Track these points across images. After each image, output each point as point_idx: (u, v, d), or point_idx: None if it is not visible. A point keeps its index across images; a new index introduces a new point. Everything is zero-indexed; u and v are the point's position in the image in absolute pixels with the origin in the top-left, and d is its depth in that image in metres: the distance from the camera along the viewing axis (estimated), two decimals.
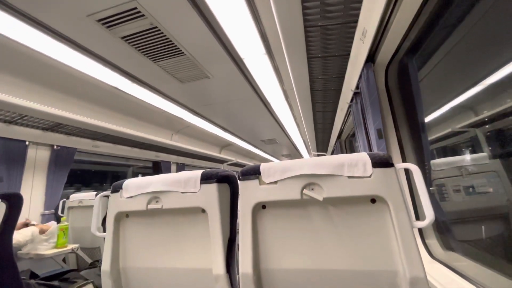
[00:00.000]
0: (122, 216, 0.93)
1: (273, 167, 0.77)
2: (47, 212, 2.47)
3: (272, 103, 3.36)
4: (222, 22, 1.66)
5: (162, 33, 1.77)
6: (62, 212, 2.49)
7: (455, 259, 1.17)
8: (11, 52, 1.83)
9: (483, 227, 1.37)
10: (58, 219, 2.19)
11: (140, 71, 2.32)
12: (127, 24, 1.68)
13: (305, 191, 0.73)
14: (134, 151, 3.70)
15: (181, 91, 2.84)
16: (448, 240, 1.28)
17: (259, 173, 0.78)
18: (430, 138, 1.53)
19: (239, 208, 0.80)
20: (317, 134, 4.18)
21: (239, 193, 0.80)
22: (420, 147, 1.38)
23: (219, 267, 0.77)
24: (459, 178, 1.50)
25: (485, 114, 1.50)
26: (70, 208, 2.46)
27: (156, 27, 1.71)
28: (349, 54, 1.56)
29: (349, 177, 0.70)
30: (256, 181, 0.78)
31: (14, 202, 1.18)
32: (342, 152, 3.88)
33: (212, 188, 0.82)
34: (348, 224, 0.71)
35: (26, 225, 2.03)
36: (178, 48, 1.97)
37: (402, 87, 1.46)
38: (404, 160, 1.42)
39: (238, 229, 0.81)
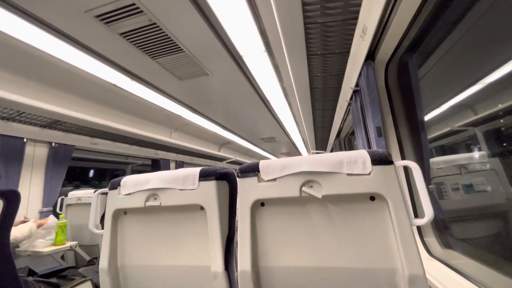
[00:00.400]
0: (120, 213, 0.92)
1: (272, 164, 0.77)
2: (45, 209, 2.46)
3: (271, 101, 3.35)
4: (222, 18, 1.65)
5: (161, 29, 1.76)
6: (61, 210, 2.48)
7: (453, 257, 1.18)
8: (8, 48, 1.81)
9: (481, 225, 1.37)
10: (56, 217, 2.18)
11: (139, 68, 2.30)
12: (125, 20, 1.66)
13: (304, 188, 0.72)
14: (133, 149, 3.69)
15: (180, 89, 2.82)
16: (446, 238, 1.29)
17: (258, 171, 0.78)
18: (429, 137, 1.52)
19: (237, 205, 0.80)
20: (316, 132, 4.18)
21: (238, 190, 0.80)
22: (420, 145, 1.38)
23: (218, 264, 0.77)
24: (458, 176, 1.50)
25: (484, 113, 1.49)
26: (68, 205, 2.45)
27: (155, 23, 1.70)
28: (349, 52, 1.56)
29: (348, 174, 0.70)
30: (255, 179, 0.78)
31: (12, 199, 1.17)
32: (341, 150, 3.88)
33: (211, 185, 0.81)
34: (347, 222, 0.71)
35: (23, 223, 2.02)
36: (177, 45, 1.95)
37: (402, 85, 1.46)
38: (403, 158, 1.42)
39: (237, 227, 0.80)
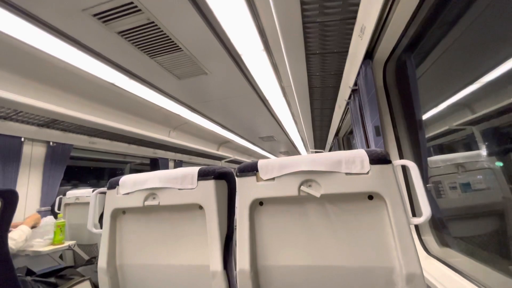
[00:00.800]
0: (119, 213, 0.92)
1: (270, 163, 0.77)
2: (43, 209, 2.45)
3: (270, 100, 3.35)
4: (220, 17, 1.64)
5: (159, 28, 1.75)
6: (59, 209, 2.48)
7: (451, 255, 1.18)
8: (5, 47, 1.80)
9: (478, 223, 1.38)
10: (54, 216, 2.17)
11: (137, 67, 2.29)
12: (123, 19, 1.65)
13: (302, 187, 0.73)
14: (131, 148, 3.68)
15: (179, 88, 2.82)
16: (444, 236, 1.30)
17: (257, 170, 0.78)
18: (427, 136, 1.53)
19: (236, 204, 0.80)
20: (315, 132, 4.19)
21: (237, 189, 0.80)
22: (418, 144, 1.38)
23: (216, 263, 0.77)
24: (455, 175, 1.50)
25: (482, 112, 1.50)
26: (66, 205, 2.45)
27: (153, 22, 1.69)
28: (347, 51, 1.56)
29: (346, 173, 0.70)
30: (253, 178, 0.78)
31: (9, 199, 1.17)
32: (340, 150, 3.89)
33: (210, 185, 0.81)
34: (345, 221, 0.71)
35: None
36: (176, 43, 1.95)
37: (400, 84, 1.46)
38: (401, 157, 1.42)
39: (236, 226, 0.80)
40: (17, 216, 2.26)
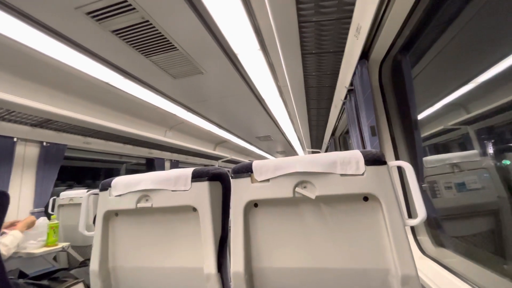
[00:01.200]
0: (112, 215, 0.91)
1: (265, 165, 0.76)
2: (36, 210, 2.42)
3: (266, 99, 3.34)
4: (216, 16, 1.63)
5: (154, 27, 1.74)
6: (52, 210, 2.45)
7: (446, 255, 1.19)
8: None
9: (473, 223, 1.39)
10: (48, 217, 2.14)
11: (132, 66, 2.27)
12: (117, 18, 1.63)
13: (297, 189, 0.72)
14: (126, 148, 3.65)
15: (174, 87, 2.80)
16: (439, 236, 1.30)
17: (251, 171, 0.77)
18: (422, 135, 1.54)
19: (231, 206, 0.79)
20: (311, 131, 4.19)
21: (231, 191, 0.79)
22: (413, 144, 1.38)
23: (210, 266, 0.76)
24: (451, 175, 1.51)
25: (476, 111, 1.51)
26: (60, 206, 2.42)
27: (148, 20, 1.67)
28: (343, 51, 1.56)
29: (341, 175, 0.69)
30: (248, 179, 0.77)
31: (0, 201, 1.14)
32: (336, 149, 3.90)
33: (203, 186, 0.80)
34: (340, 222, 0.70)
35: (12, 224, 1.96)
36: (171, 43, 1.93)
37: (395, 84, 1.46)
38: (397, 157, 1.42)
39: (230, 227, 0.79)
40: (10, 219, 2.23)
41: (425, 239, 1.29)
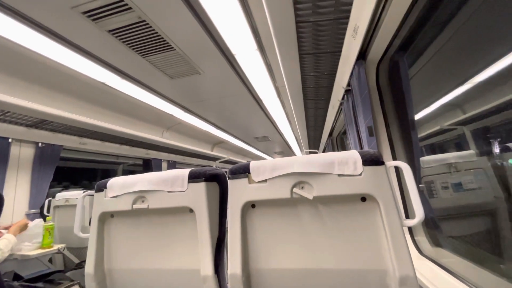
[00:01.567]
0: (107, 216, 0.90)
1: (262, 165, 0.76)
2: (32, 211, 2.39)
3: (264, 100, 3.34)
4: (213, 16, 1.62)
5: (150, 27, 1.72)
6: (48, 211, 2.42)
7: (443, 255, 1.19)
8: None
9: (469, 223, 1.39)
10: (43, 219, 2.12)
11: (129, 66, 2.25)
12: (114, 17, 1.62)
13: (295, 189, 0.71)
14: (123, 149, 3.63)
15: (172, 87, 2.78)
16: (436, 236, 1.30)
17: (249, 172, 0.76)
18: (419, 136, 1.54)
19: (228, 207, 0.79)
20: (309, 132, 4.19)
21: (228, 192, 0.78)
22: (410, 144, 1.39)
23: (207, 267, 0.75)
24: (447, 175, 1.52)
25: (473, 112, 1.52)
26: (56, 207, 2.39)
27: (144, 20, 1.66)
28: (340, 51, 1.55)
29: (339, 175, 0.69)
30: (245, 180, 0.76)
31: None
32: (333, 150, 3.90)
33: (200, 187, 0.79)
34: (338, 223, 0.70)
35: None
36: (168, 43, 1.92)
37: (393, 84, 1.47)
38: (394, 157, 1.43)
39: (227, 228, 0.79)
40: (5, 220, 2.20)
41: (422, 239, 1.29)
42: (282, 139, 6.35)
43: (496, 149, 1.35)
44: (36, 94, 2.32)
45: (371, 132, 1.34)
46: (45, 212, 2.43)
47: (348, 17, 1.24)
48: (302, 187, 0.71)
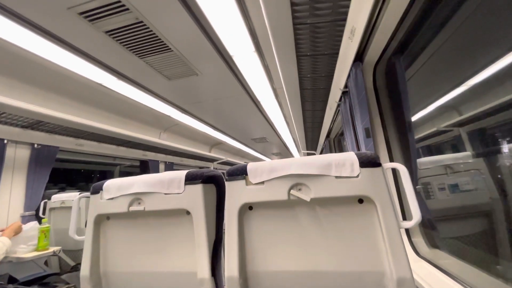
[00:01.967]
0: (103, 219, 0.89)
1: (260, 167, 0.76)
2: (27, 213, 2.36)
3: (262, 101, 3.34)
4: (211, 18, 1.62)
5: (148, 28, 1.72)
6: (44, 213, 2.40)
7: (440, 256, 1.19)
8: None
9: (466, 224, 1.40)
10: (39, 221, 2.10)
11: (126, 67, 2.24)
12: (111, 18, 1.61)
13: (292, 191, 0.71)
14: (120, 150, 3.60)
15: (169, 88, 2.77)
16: (433, 238, 1.31)
17: (246, 173, 0.76)
18: (416, 137, 1.55)
19: (225, 209, 0.78)
20: (306, 133, 4.20)
21: (226, 194, 0.78)
22: (407, 146, 1.39)
23: (204, 270, 0.75)
24: (444, 176, 1.52)
25: (469, 113, 1.53)
26: (51, 209, 2.37)
27: (142, 21, 1.65)
28: (337, 53, 1.56)
29: (336, 177, 0.69)
30: (242, 182, 0.76)
31: None
32: (331, 151, 3.91)
33: (197, 189, 0.79)
34: (335, 225, 0.70)
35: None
36: (165, 44, 1.91)
37: (389, 86, 1.47)
38: (391, 159, 1.43)
39: (225, 230, 0.78)
40: (0, 221, 2.18)
41: (419, 241, 1.30)
42: (280, 140, 6.36)
43: (492, 151, 1.36)
44: (32, 95, 2.30)
45: (368, 133, 1.35)
46: (40, 214, 2.40)
47: (345, 19, 1.25)
48: (300, 189, 0.71)
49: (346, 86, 1.61)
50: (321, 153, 5.04)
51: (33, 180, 2.42)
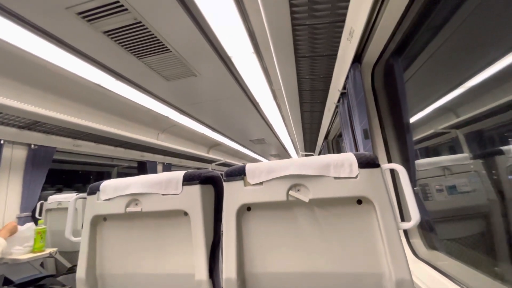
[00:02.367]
0: (100, 220, 0.88)
1: (258, 167, 0.75)
2: (23, 214, 2.34)
3: (260, 102, 3.34)
4: (209, 18, 1.62)
5: (146, 28, 1.72)
6: (40, 215, 2.38)
7: (439, 258, 1.19)
8: None
9: (463, 225, 1.40)
10: (35, 222, 2.08)
11: (124, 68, 2.24)
12: (109, 18, 1.61)
13: (291, 192, 0.71)
14: (118, 151, 3.59)
15: (168, 89, 2.77)
16: (431, 239, 1.31)
17: (244, 174, 0.76)
18: (414, 139, 1.55)
19: (223, 210, 0.78)
20: (305, 134, 4.20)
21: (224, 194, 0.78)
22: (405, 147, 1.39)
23: (202, 272, 0.74)
24: (442, 178, 1.53)
25: (466, 115, 1.54)
26: (48, 210, 2.35)
27: (140, 22, 1.65)
28: (336, 54, 1.56)
29: (335, 177, 0.69)
30: (241, 182, 0.76)
31: None
32: (329, 152, 3.92)
33: (195, 190, 0.78)
34: (334, 226, 0.70)
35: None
36: (164, 44, 1.91)
37: (388, 88, 1.48)
38: (389, 160, 1.43)
39: (223, 232, 0.78)
40: None
41: (418, 242, 1.29)
42: (278, 141, 6.36)
43: (489, 152, 1.36)
44: (29, 95, 2.28)
45: (367, 134, 1.35)
46: (37, 215, 2.38)
47: (343, 21, 1.25)
48: (298, 190, 0.71)
49: (344, 87, 1.62)
50: (319, 154, 5.04)
51: (29, 181, 2.40)
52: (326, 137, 3.72)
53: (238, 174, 0.76)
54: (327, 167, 0.70)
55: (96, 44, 1.86)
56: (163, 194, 0.80)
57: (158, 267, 0.80)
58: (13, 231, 1.87)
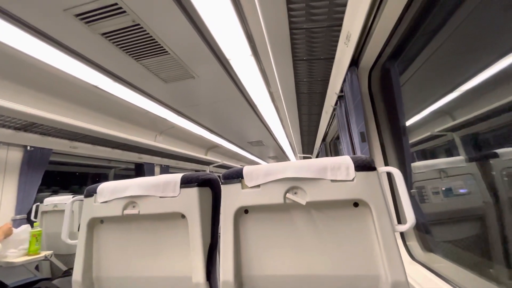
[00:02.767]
0: (96, 222, 0.88)
1: (256, 170, 0.75)
2: (18, 217, 2.32)
3: (258, 105, 3.35)
4: (207, 21, 1.63)
5: (144, 30, 1.72)
6: (35, 217, 2.35)
7: (435, 260, 1.20)
8: None
9: (459, 228, 1.41)
10: (31, 225, 2.05)
11: (122, 70, 2.24)
12: (107, 20, 1.61)
13: (288, 195, 0.71)
14: (115, 153, 3.57)
15: (165, 91, 2.77)
16: (427, 241, 1.31)
17: (242, 177, 0.76)
18: (411, 141, 1.57)
19: (221, 212, 0.78)
20: (302, 137, 4.21)
21: (221, 197, 0.78)
22: (402, 150, 1.41)
23: (199, 275, 0.74)
24: (438, 180, 1.54)
25: (462, 118, 1.55)
26: (44, 212, 2.33)
27: (138, 24, 1.65)
28: (333, 58, 1.58)
29: (332, 180, 0.69)
30: (238, 185, 0.76)
31: None
32: (327, 155, 3.93)
33: (193, 192, 0.78)
34: (331, 229, 0.70)
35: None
36: (162, 47, 1.91)
37: (384, 91, 1.49)
38: (386, 163, 1.44)
39: (220, 235, 0.78)
40: None
41: (414, 244, 1.30)
42: (276, 144, 6.37)
43: (485, 155, 1.38)
44: (26, 96, 2.27)
45: (364, 137, 1.36)
46: (32, 217, 2.36)
47: (340, 25, 1.27)
48: (295, 193, 0.71)
49: (341, 90, 1.63)
50: (317, 156, 5.06)
51: (25, 183, 2.38)
52: (324, 139, 3.73)
53: (236, 176, 0.76)
54: (324, 170, 0.70)
55: (94, 46, 1.86)
56: (160, 197, 0.80)
57: (155, 269, 0.80)
58: (7, 234, 1.84)
